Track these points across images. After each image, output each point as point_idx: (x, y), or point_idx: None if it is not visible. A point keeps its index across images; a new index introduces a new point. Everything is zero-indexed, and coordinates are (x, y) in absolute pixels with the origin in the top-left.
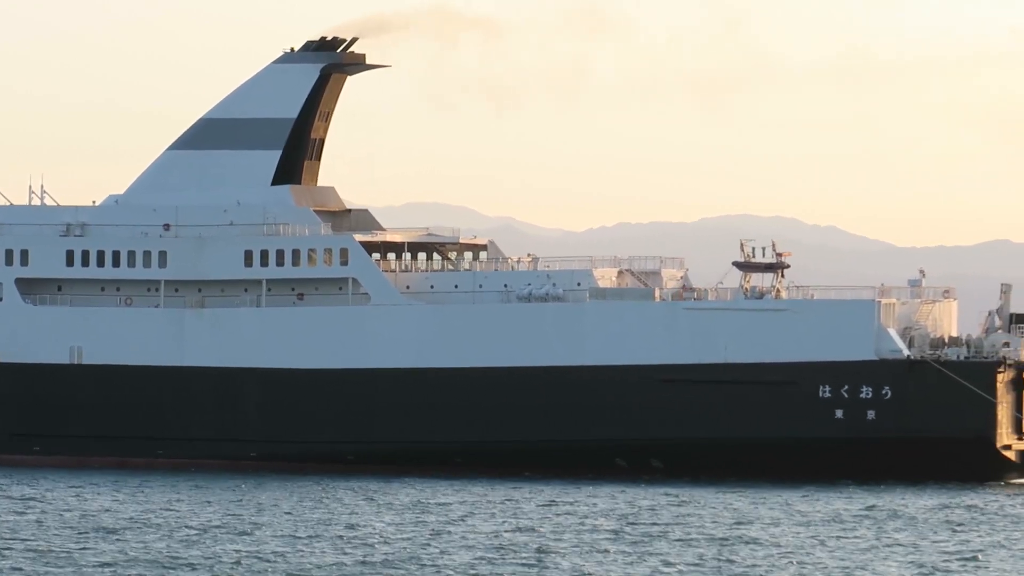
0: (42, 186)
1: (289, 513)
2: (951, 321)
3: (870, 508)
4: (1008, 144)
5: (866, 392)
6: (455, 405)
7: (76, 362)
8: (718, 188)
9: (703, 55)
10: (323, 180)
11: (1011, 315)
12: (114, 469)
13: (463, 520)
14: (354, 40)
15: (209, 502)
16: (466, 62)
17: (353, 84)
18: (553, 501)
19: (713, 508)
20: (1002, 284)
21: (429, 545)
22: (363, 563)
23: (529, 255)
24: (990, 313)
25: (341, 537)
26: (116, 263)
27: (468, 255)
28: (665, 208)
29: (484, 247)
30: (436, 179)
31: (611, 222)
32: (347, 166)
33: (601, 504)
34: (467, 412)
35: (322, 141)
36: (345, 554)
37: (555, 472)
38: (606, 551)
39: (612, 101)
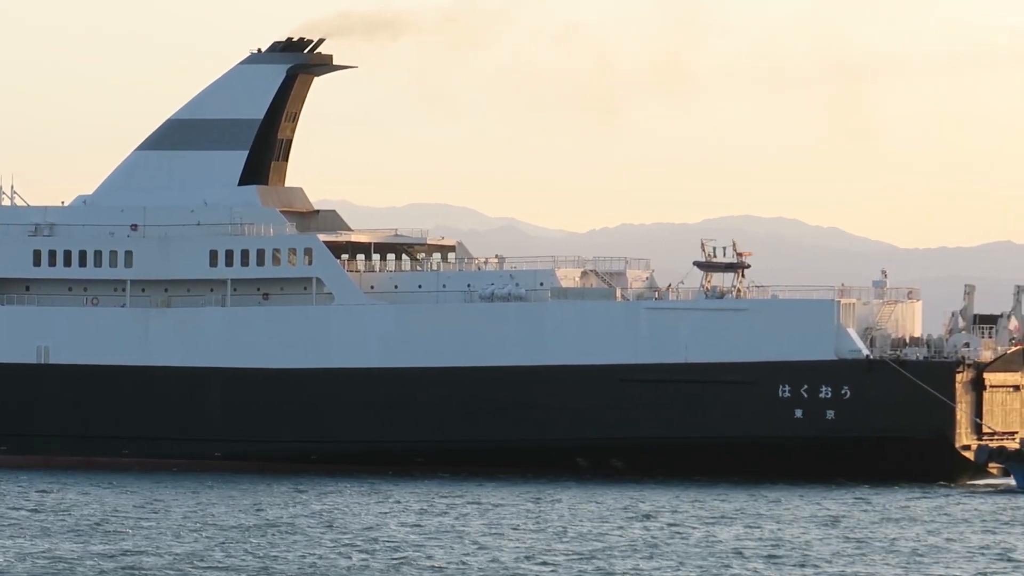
0: (12, 186)
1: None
2: (914, 321)
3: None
4: (1009, 144)
5: (825, 392)
6: (418, 405)
7: (43, 362)
8: (721, 189)
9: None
10: (322, 179)
11: (974, 316)
12: (81, 468)
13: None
14: (321, 41)
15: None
16: (466, 62)
17: (353, 84)
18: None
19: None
20: (966, 285)
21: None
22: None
23: (496, 256)
24: (954, 314)
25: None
26: (83, 263)
27: (436, 256)
28: (667, 209)
29: (452, 248)
30: (439, 179)
31: (613, 223)
32: (348, 166)
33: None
34: (430, 412)
35: (289, 142)
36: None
37: (516, 471)
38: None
39: (613, 101)
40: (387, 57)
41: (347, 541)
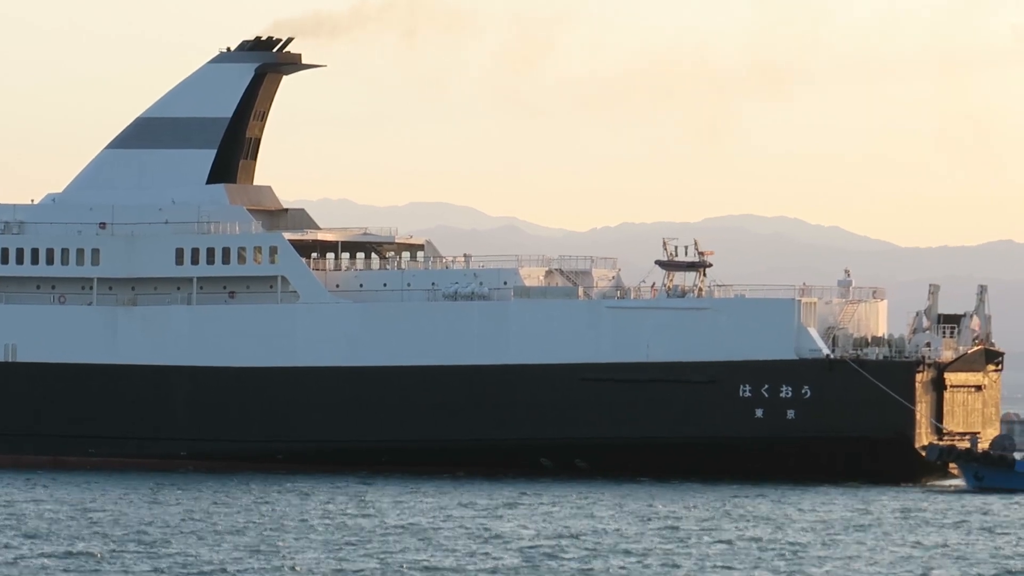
0: None
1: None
2: (879, 321)
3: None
4: (1010, 145)
5: (786, 391)
6: (381, 404)
7: (10, 360)
8: (722, 188)
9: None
10: (322, 179)
11: (939, 315)
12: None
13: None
14: (290, 40)
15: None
16: (466, 61)
17: (352, 85)
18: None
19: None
20: (930, 284)
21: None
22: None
23: (464, 254)
24: (918, 313)
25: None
26: (51, 261)
27: (406, 255)
28: (668, 208)
29: (421, 247)
30: (440, 178)
31: (614, 222)
32: (347, 166)
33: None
34: (393, 411)
35: (258, 140)
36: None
37: (481, 471)
38: None
39: (614, 101)
40: (392, 56)
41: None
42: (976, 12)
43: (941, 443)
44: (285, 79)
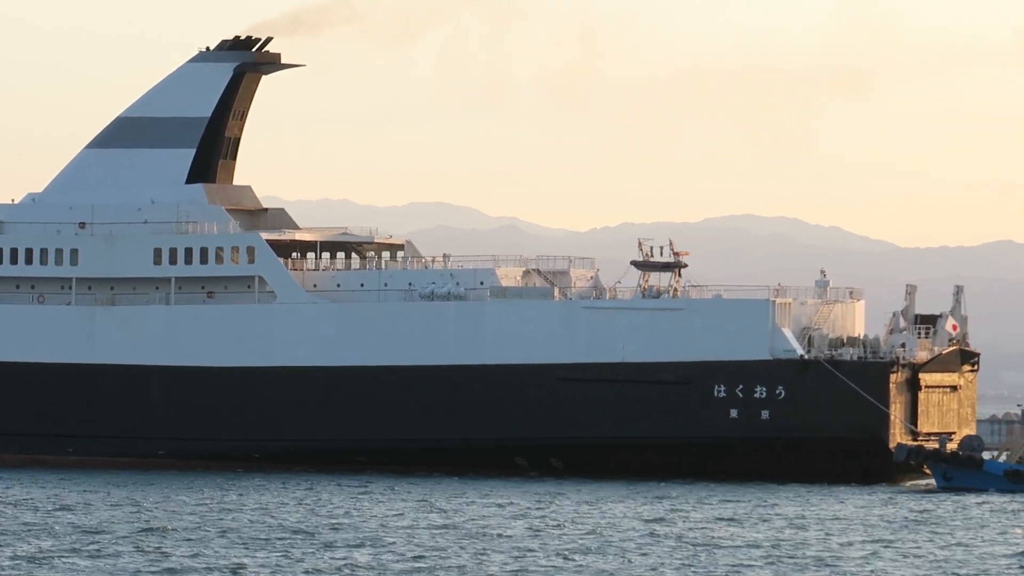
0: None
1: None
2: (855, 321)
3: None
4: (1011, 145)
5: (760, 392)
6: (358, 403)
7: None
8: (722, 188)
9: (705, 57)
10: (323, 179)
11: (916, 316)
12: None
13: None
14: (269, 39)
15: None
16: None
17: (350, 85)
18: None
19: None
20: (907, 285)
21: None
22: None
23: (444, 254)
24: (895, 314)
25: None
26: (30, 261)
27: (386, 255)
28: (669, 208)
29: (401, 247)
30: (440, 178)
31: (615, 222)
32: (347, 166)
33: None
34: (370, 410)
35: (237, 140)
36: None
37: (455, 470)
38: None
39: (615, 101)
40: (391, 56)
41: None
42: (976, 12)
43: (909, 443)
44: (285, 79)
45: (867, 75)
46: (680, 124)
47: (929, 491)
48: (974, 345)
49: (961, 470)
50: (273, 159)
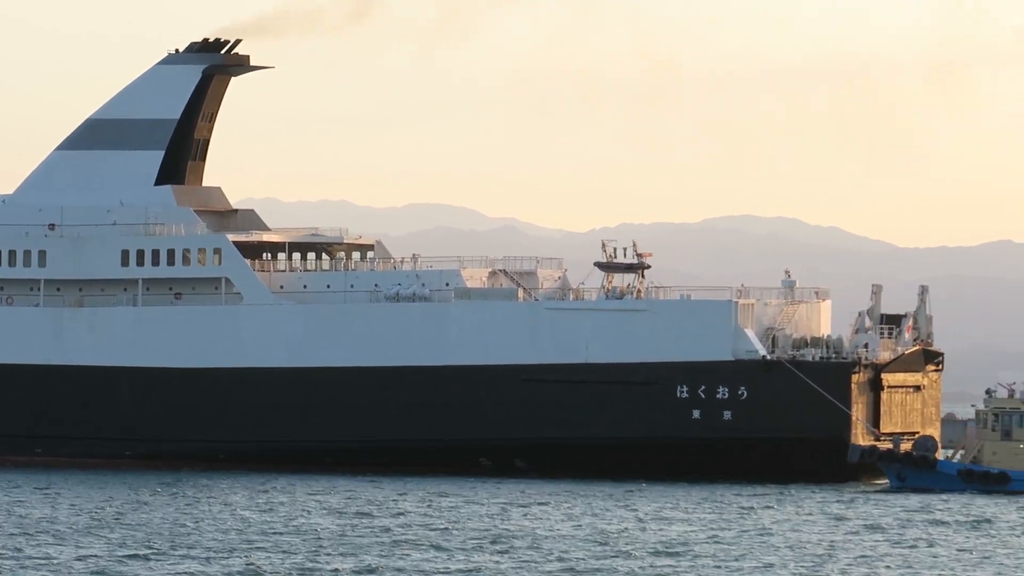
0: None
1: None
2: (820, 321)
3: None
4: (1011, 145)
5: (723, 392)
6: (324, 404)
7: None
8: (721, 189)
9: (705, 56)
10: (323, 179)
11: (881, 315)
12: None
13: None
14: (238, 41)
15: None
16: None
17: (349, 85)
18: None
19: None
20: (873, 284)
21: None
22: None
23: (413, 255)
24: (860, 314)
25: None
26: None
27: (356, 255)
28: (668, 208)
29: (371, 247)
30: (439, 179)
31: (614, 223)
32: (346, 167)
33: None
34: (335, 411)
35: (206, 141)
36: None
37: (421, 471)
38: None
39: (615, 101)
40: (391, 56)
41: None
42: (976, 12)
43: (863, 444)
44: (284, 80)
45: (867, 74)
46: (680, 124)
47: (881, 491)
48: (976, 345)
49: (914, 470)
50: (273, 159)
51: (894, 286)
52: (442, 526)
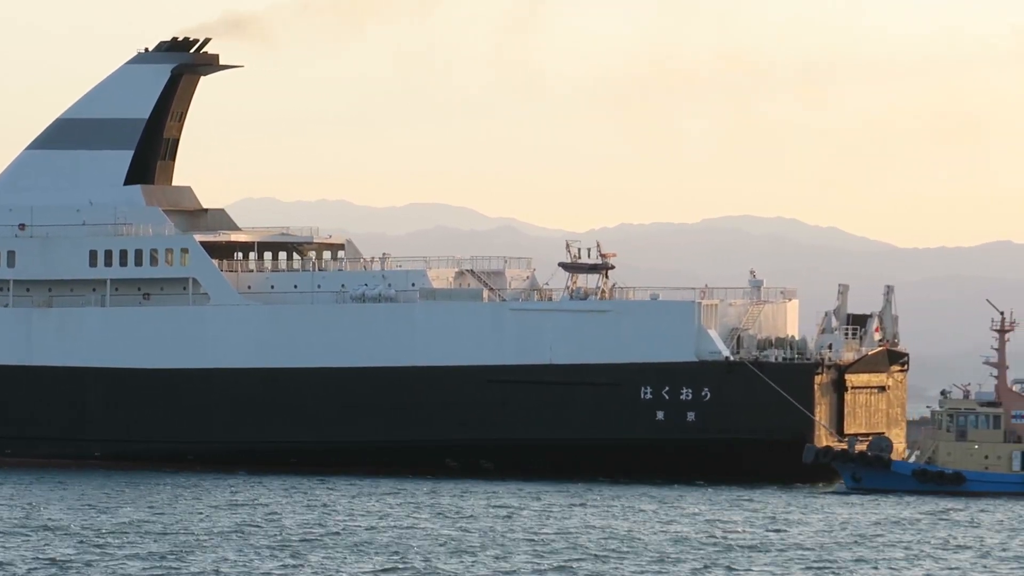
0: None
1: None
2: (787, 322)
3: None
4: (1010, 145)
5: (686, 393)
6: (289, 405)
7: None
8: (720, 189)
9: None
10: (322, 179)
11: (848, 315)
12: None
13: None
14: (207, 40)
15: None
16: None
17: (347, 85)
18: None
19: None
20: (839, 284)
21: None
22: None
23: (384, 254)
24: (827, 314)
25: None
26: None
27: (327, 254)
28: (667, 209)
29: (341, 246)
30: (439, 179)
31: (613, 223)
32: (345, 167)
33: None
34: (300, 412)
35: (176, 141)
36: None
37: (388, 471)
38: None
39: (615, 102)
40: (391, 55)
41: None
42: (975, 12)
43: (817, 445)
44: (283, 80)
45: (866, 73)
46: (679, 124)
47: (836, 492)
48: (976, 345)
49: (869, 471)
50: (272, 160)
51: (895, 286)
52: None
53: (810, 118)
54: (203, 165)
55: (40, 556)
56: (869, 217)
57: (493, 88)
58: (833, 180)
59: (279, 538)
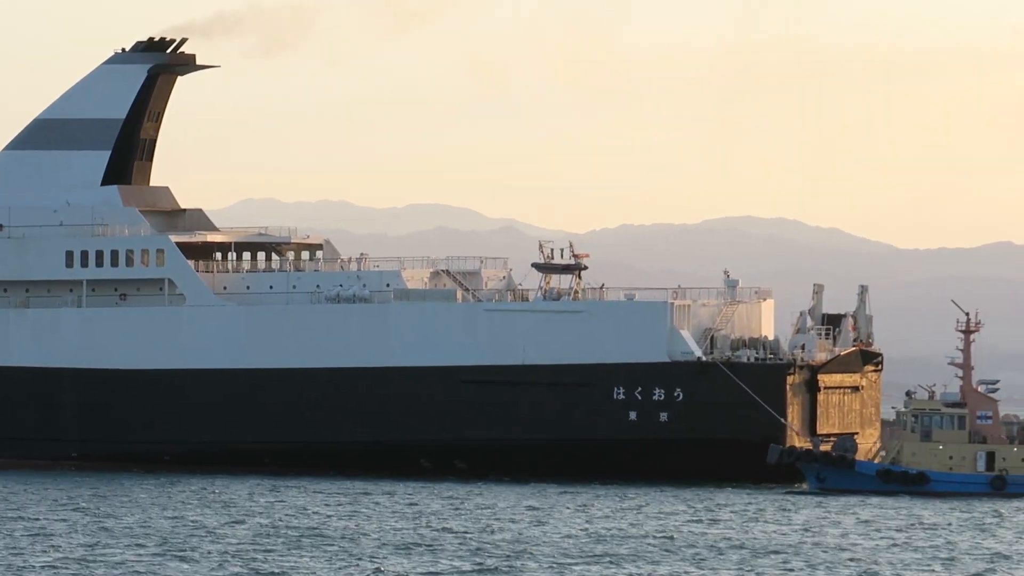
0: None
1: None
2: (761, 322)
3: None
4: (1010, 144)
5: (659, 394)
6: (264, 406)
7: None
8: (721, 190)
9: (706, 58)
10: (322, 179)
11: (823, 315)
12: None
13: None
14: (184, 40)
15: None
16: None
17: (345, 85)
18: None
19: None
20: (815, 284)
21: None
22: None
23: (362, 254)
24: (802, 313)
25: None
26: None
27: (305, 254)
28: (668, 209)
29: (319, 246)
30: (439, 180)
31: (614, 223)
32: (347, 168)
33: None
34: (275, 413)
35: (153, 141)
36: None
37: (362, 472)
38: None
39: (615, 102)
40: (391, 55)
41: None
42: (975, 12)
43: (782, 445)
44: (283, 80)
45: (867, 73)
46: (679, 124)
47: (800, 492)
48: (976, 346)
49: (833, 471)
50: (272, 160)
51: (894, 286)
52: None
53: (812, 119)
54: (203, 166)
55: None
56: (870, 218)
57: (495, 89)
58: (834, 180)
59: (235, 540)
